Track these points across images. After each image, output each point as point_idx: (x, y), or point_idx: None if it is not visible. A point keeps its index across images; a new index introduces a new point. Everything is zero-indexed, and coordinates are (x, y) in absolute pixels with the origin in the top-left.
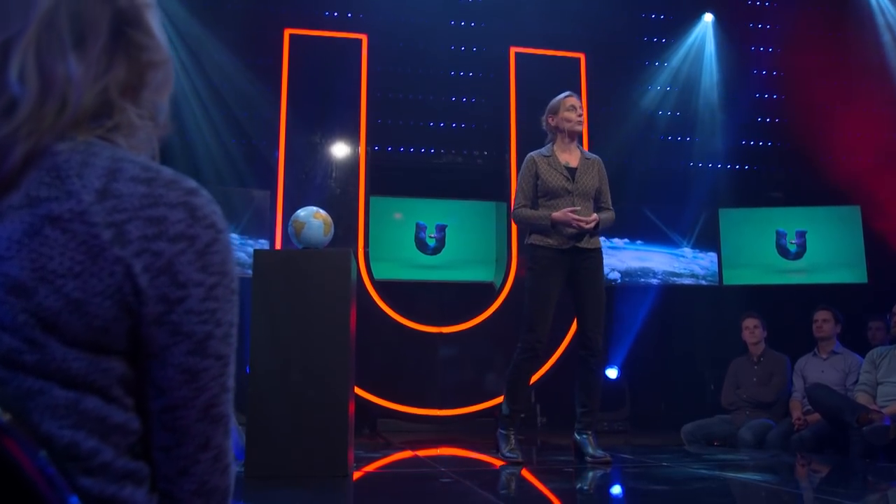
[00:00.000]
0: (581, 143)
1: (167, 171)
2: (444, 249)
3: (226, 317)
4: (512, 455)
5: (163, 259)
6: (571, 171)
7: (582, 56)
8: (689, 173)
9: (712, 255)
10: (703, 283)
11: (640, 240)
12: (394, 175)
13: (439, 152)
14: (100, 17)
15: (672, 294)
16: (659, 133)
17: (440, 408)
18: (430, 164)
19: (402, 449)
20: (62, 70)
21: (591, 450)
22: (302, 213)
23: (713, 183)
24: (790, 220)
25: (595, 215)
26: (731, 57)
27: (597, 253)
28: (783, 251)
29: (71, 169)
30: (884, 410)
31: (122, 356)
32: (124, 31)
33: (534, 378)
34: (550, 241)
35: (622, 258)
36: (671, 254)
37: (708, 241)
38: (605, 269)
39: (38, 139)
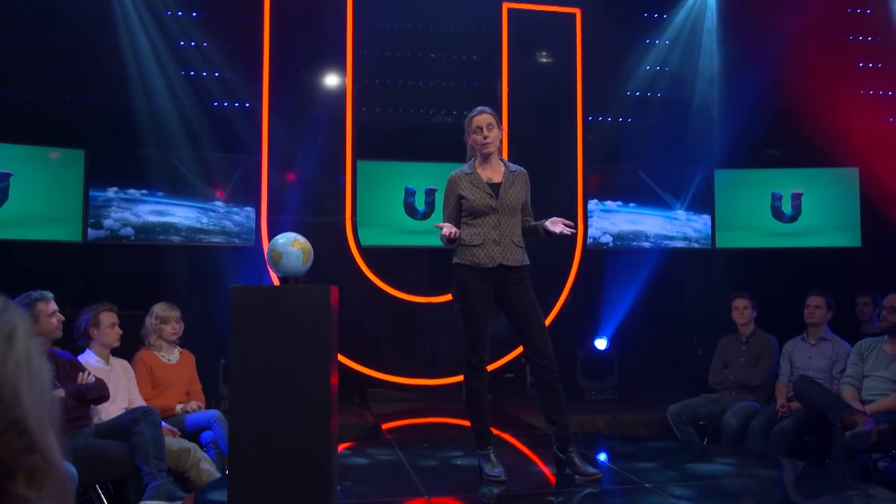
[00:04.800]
0: (502, 155)
1: None
2: (433, 214)
3: None
4: (495, 474)
5: None
6: (495, 187)
7: (577, 11)
8: (685, 133)
9: (706, 218)
10: (696, 245)
11: (634, 202)
12: (382, 137)
13: (429, 113)
14: None
15: (664, 257)
16: (656, 92)
17: (430, 377)
18: (420, 125)
19: (389, 438)
20: None
21: (578, 467)
22: (280, 241)
23: (709, 142)
24: (786, 181)
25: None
26: (733, 13)
27: (523, 270)
28: (778, 214)
29: None
30: (867, 408)
31: None
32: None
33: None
34: (476, 261)
35: (614, 221)
36: (664, 216)
37: (702, 203)
38: (597, 232)
39: None
